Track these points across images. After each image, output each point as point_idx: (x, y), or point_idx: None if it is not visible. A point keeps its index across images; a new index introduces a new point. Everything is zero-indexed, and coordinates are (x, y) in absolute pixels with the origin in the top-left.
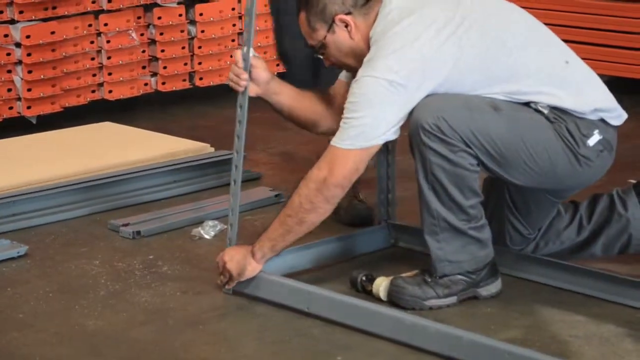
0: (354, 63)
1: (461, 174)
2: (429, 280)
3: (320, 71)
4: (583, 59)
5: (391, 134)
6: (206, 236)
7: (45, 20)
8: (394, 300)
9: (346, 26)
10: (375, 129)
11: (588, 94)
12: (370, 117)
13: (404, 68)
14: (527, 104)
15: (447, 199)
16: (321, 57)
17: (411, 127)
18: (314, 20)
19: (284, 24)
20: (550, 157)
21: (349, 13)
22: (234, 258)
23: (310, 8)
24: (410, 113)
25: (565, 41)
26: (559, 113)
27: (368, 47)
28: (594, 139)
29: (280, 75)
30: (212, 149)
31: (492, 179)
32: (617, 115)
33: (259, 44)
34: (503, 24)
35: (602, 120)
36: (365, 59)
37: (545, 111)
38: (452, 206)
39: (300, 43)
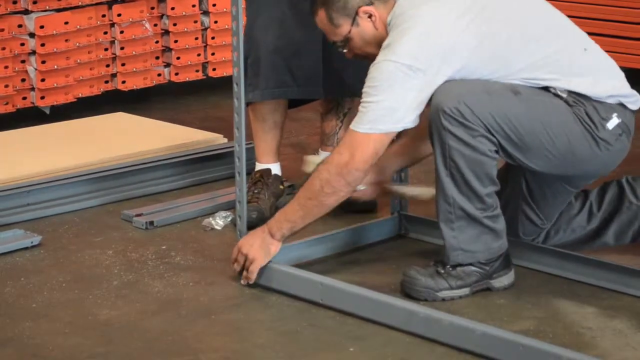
0: (377, 50)
1: (480, 159)
2: (442, 271)
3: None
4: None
5: (410, 121)
6: (217, 227)
7: (59, 10)
8: (406, 291)
9: (370, 17)
10: (395, 112)
11: (605, 82)
12: (390, 101)
13: (424, 53)
14: (545, 89)
15: (464, 185)
16: (344, 51)
17: (432, 111)
18: (336, 16)
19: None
20: (570, 140)
21: (370, 3)
22: (254, 245)
23: (332, 5)
24: (430, 98)
25: (589, 34)
26: (577, 97)
27: (387, 33)
28: (613, 122)
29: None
30: (225, 140)
31: (507, 169)
32: (635, 100)
33: None
34: (522, 14)
35: (621, 104)
36: (384, 44)
37: (564, 95)
38: (469, 193)
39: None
